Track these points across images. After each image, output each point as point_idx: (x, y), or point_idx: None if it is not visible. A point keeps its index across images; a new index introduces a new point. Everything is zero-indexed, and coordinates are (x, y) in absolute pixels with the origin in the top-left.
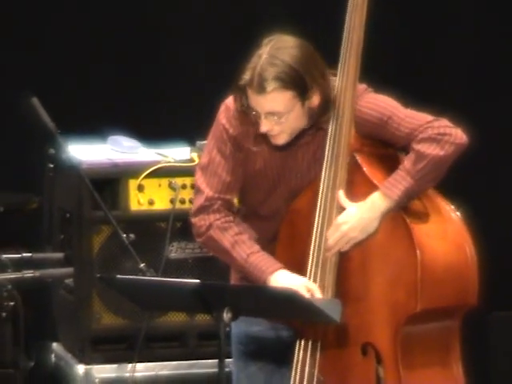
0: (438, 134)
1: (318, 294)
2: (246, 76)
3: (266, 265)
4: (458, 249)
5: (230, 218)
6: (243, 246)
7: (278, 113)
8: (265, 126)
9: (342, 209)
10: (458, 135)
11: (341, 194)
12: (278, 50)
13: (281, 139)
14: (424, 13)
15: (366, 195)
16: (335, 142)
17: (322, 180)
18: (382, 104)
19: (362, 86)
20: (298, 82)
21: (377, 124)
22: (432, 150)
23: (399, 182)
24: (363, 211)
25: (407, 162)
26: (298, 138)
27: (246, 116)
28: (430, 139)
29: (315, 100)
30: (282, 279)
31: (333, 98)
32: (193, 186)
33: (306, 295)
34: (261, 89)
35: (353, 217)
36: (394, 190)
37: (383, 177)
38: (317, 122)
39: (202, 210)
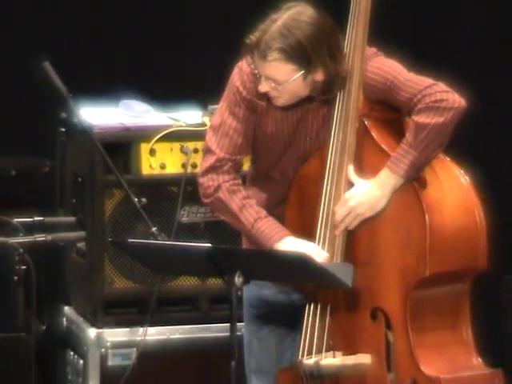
0: (435, 102)
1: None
2: (255, 37)
3: (273, 231)
4: (467, 213)
5: (238, 181)
6: (251, 211)
7: (276, 80)
8: (262, 87)
9: (350, 181)
10: (455, 99)
11: (350, 170)
12: (293, 21)
13: (279, 102)
14: None
15: (375, 160)
16: (343, 107)
17: (331, 145)
18: (385, 68)
19: (372, 50)
20: (302, 58)
21: (381, 89)
22: (431, 119)
23: (404, 156)
24: (372, 188)
25: (408, 135)
26: (308, 102)
27: (255, 73)
28: (427, 108)
29: (319, 76)
30: (289, 246)
31: (342, 79)
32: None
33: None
34: (263, 55)
35: (361, 193)
36: (400, 165)
37: (392, 142)
38: (321, 95)
39: (212, 170)
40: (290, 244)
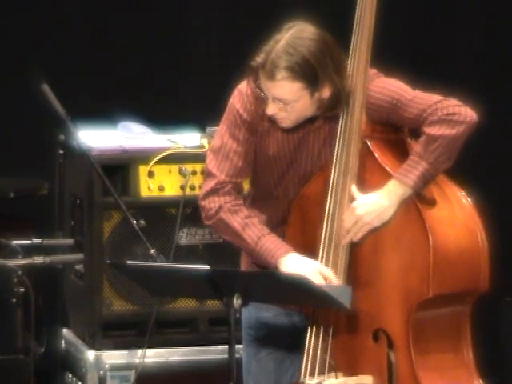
0: (448, 115)
1: (334, 279)
2: (260, 58)
3: (276, 247)
4: (469, 234)
5: (239, 201)
6: (254, 229)
7: (285, 100)
8: (270, 110)
9: (353, 199)
10: (467, 113)
11: (353, 188)
12: (297, 39)
13: (285, 123)
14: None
15: (378, 181)
16: (346, 128)
17: (334, 166)
18: (390, 87)
19: (373, 71)
20: (309, 74)
21: (386, 108)
22: (443, 131)
23: (413, 167)
24: (380, 198)
25: (419, 146)
26: (310, 123)
27: (259, 96)
28: (439, 121)
29: (325, 93)
30: (293, 262)
31: (346, 94)
32: (203, 173)
33: (320, 280)
34: (271, 75)
35: (369, 202)
36: (410, 176)
37: (395, 162)
38: (326, 114)
39: (213, 192)
40: (293, 261)
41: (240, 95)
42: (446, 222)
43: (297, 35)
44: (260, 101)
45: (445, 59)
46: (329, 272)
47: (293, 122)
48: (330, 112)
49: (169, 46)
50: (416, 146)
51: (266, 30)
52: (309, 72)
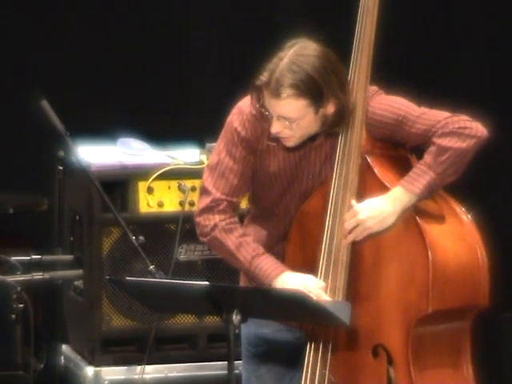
0: (459, 128)
1: (324, 296)
2: (264, 77)
3: (271, 268)
4: (469, 250)
5: (234, 219)
6: (248, 248)
7: (290, 118)
8: (275, 128)
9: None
10: (478, 128)
11: (354, 203)
12: (300, 56)
13: (290, 142)
14: (435, 11)
15: (377, 196)
16: (346, 144)
17: (333, 182)
18: (395, 104)
19: (373, 88)
20: (314, 91)
21: (391, 124)
22: (453, 143)
23: (421, 176)
24: (383, 203)
25: (428, 156)
26: (311, 140)
27: (262, 114)
28: (450, 133)
29: (330, 109)
30: (287, 280)
31: (350, 110)
32: None
33: (313, 295)
34: (276, 93)
35: (372, 207)
36: (416, 184)
37: (395, 178)
38: (330, 130)
39: (208, 209)
40: (287, 279)
41: (239, 113)
42: (446, 237)
43: (300, 52)
44: (263, 119)
45: (449, 73)
46: (322, 284)
47: (297, 139)
48: (333, 128)
49: (169, 61)
50: (425, 156)
51: (267, 46)
52: (313, 89)
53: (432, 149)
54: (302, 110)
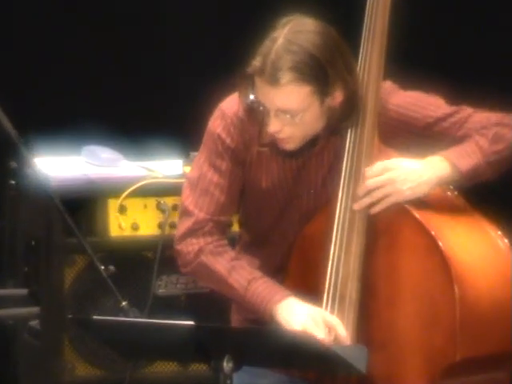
0: None
1: (341, 329)
2: (257, 62)
3: (271, 292)
4: (505, 283)
5: (223, 241)
6: (242, 272)
7: (292, 111)
8: (274, 126)
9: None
10: None
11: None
12: (297, 33)
13: (290, 143)
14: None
15: (394, 219)
16: (354, 152)
17: (340, 199)
18: (421, 103)
19: (389, 84)
20: (318, 74)
21: (419, 127)
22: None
23: (470, 155)
24: (421, 166)
25: (481, 138)
26: (309, 146)
27: (251, 115)
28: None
29: (337, 98)
30: (291, 310)
31: (360, 97)
32: None
33: (324, 332)
34: (273, 80)
35: (407, 167)
36: (463, 162)
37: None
38: (336, 126)
39: (190, 234)
40: (291, 308)
41: (222, 117)
42: (477, 268)
43: (297, 29)
44: (253, 121)
45: (480, 63)
46: (335, 320)
47: (299, 140)
48: (342, 123)
49: (143, 56)
50: (476, 138)
51: (256, 43)
52: (317, 70)
53: (487, 132)
54: (306, 99)
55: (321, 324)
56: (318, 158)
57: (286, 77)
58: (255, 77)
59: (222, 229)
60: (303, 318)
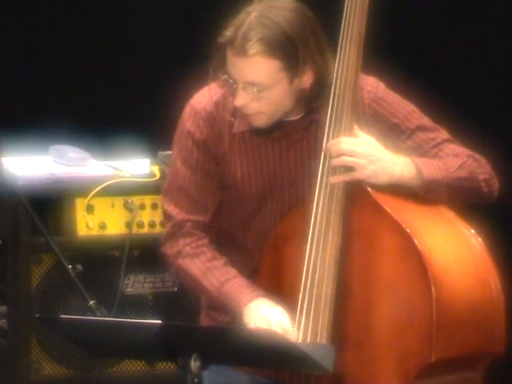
0: (485, 180)
1: (291, 335)
2: (228, 32)
3: (242, 293)
4: (481, 284)
5: (203, 241)
6: (216, 273)
7: (259, 84)
8: (241, 99)
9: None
10: (496, 187)
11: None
12: (273, 9)
13: (259, 120)
14: None
15: (371, 219)
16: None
17: (316, 196)
18: (410, 107)
19: (371, 79)
20: (289, 51)
21: (401, 126)
22: (481, 176)
23: (436, 169)
24: (391, 157)
25: (450, 162)
26: (287, 135)
27: (220, 108)
28: (482, 173)
29: (307, 80)
30: (258, 311)
31: (329, 82)
32: (153, 206)
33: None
34: (242, 50)
35: (380, 150)
36: (428, 170)
37: (391, 198)
38: (306, 110)
39: (170, 237)
40: (259, 308)
41: (192, 112)
42: (453, 269)
43: (272, 4)
44: (225, 110)
45: (461, 67)
46: (289, 327)
47: (268, 118)
48: (311, 105)
49: (111, 54)
50: (447, 159)
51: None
52: (288, 47)
53: (457, 160)
54: (274, 73)
55: (275, 328)
56: (296, 146)
57: (254, 47)
58: (226, 47)
59: (203, 227)
60: (260, 321)
